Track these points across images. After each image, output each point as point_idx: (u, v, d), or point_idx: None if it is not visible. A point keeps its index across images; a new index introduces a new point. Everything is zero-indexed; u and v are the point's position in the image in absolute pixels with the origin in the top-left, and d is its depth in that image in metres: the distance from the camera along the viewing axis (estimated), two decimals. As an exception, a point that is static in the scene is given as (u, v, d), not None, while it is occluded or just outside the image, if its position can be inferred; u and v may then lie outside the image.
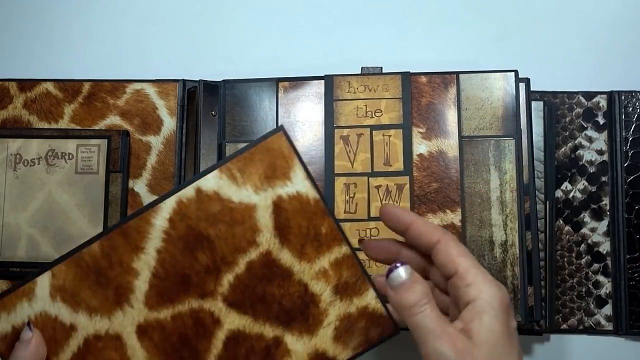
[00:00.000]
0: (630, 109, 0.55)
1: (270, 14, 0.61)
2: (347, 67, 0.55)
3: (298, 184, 0.36)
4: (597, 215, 0.55)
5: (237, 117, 0.54)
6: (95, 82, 0.57)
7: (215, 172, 0.36)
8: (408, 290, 0.34)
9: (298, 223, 0.36)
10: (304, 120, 0.53)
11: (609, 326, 0.54)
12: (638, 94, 0.55)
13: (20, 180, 0.54)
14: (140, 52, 0.61)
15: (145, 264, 0.36)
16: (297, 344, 0.36)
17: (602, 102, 0.56)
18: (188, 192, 0.36)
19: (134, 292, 0.36)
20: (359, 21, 0.61)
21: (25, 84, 0.57)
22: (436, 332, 0.32)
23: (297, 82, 0.54)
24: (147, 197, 0.55)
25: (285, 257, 0.36)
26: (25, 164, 0.55)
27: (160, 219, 0.36)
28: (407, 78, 0.52)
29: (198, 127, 0.55)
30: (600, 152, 0.55)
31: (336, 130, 0.52)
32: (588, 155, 0.55)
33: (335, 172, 0.52)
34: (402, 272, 0.34)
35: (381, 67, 0.54)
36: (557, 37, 0.59)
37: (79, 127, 0.56)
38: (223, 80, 0.55)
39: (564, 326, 0.54)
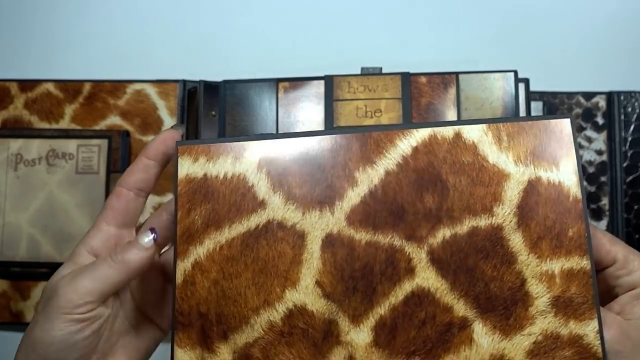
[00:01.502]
0: (630, 109, 0.55)
1: (270, 14, 0.61)
2: (347, 67, 0.55)
3: (564, 175, 0.33)
4: (597, 215, 0.55)
5: (238, 118, 0.54)
6: (96, 83, 0.57)
7: (482, 127, 0.34)
8: None
9: (546, 213, 0.33)
10: (304, 120, 0.53)
11: (608, 326, 0.54)
12: (637, 94, 0.55)
13: (21, 180, 0.55)
14: (140, 52, 0.61)
15: (368, 178, 0.34)
16: (484, 338, 0.32)
17: (601, 102, 0.56)
18: (446, 131, 0.34)
19: (342, 200, 0.33)
20: (359, 21, 0.61)
21: (26, 84, 0.58)
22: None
23: (297, 82, 0.54)
24: (147, 197, 0.55)
25: (516, 241, 0.33)
26: (26, 164, 0.55)
27: (406, 143, 0.34)
28: (407, 78, 0.52)
29: (198, 127, 0.55)
30: (599, 152, 0.55)
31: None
32: (587, 155, 0.55)
33: (336, 172, 0.52)
34: None
35: (381, 68, 0.54)
36: (557, 38, 0.60)
37: (79, 127, 0.56)
38: (223, 80, 0.55)
39: (563, 326, 0.54)
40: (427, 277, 0.33)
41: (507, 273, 0.33)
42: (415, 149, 0.34)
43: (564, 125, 0.34)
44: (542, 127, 0.34)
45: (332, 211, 0.33)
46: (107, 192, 0.54)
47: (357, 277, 0.33)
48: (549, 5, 0.60)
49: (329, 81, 0.53)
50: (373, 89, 0.53)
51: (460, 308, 0.32)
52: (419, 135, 0.34)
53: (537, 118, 0.34)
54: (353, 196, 0.34)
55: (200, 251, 0.34)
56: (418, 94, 0.52)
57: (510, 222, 0.33)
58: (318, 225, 0.33)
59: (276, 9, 0.61)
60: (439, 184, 0.33)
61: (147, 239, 0.33)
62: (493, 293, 0.32)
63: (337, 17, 0.61)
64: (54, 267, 0.53)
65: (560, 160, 0.33)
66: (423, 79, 0.53)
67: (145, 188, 0.36)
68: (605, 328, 0.31)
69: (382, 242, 0.33)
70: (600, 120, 0.56)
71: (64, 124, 0.57)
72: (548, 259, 0.33)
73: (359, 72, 0.54)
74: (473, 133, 0.34)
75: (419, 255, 0.33)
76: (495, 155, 0.34)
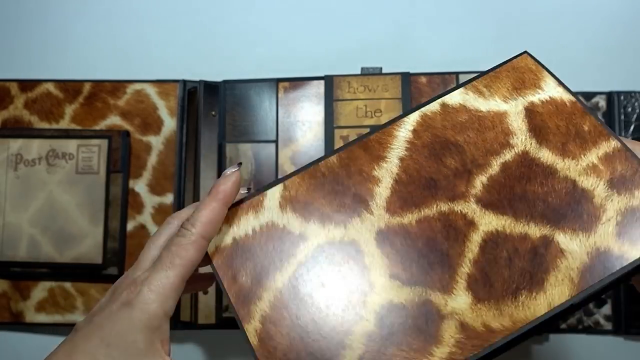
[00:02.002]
0: (630, 109, 0.55)
1: (271, 14, 0.61)
2: (347, 67, 0.55)
3: (550, 91, 0.36)
4: (597, 215, 0.55)
5: (238, 117, 0.54)
6: (96, 83, 0.57)
7: (460, 90, 0.37)
8: None
9: (556, 123, 0.35)
10: (304, 120, 0.53)
11: (609, 326, 0.54)
12: (637, 94, 0.55)
13: (21, 180, 0.55)
14: (140, 52, 0.61)
15: (387, 171, 0.35)
16: (571, 243, 0.32)
17: (602, 102, 0.56)
18: (432, 106, 0.36)
19: (374, 199, 0.34)
20: (359, 21, 0.61)
21: (26, 84, 0.58)
22: None
23: (297, 82, 0.54)
24: (147, 197, 0.55)
25: (546, 155, 0.34)
26: (26, 164, 0.55)
27: (404, 130, 0.36)
28: (407, 78, 0.52)
29: (198, 127, 0.55)
30: (599, 152, 0.55)
31: (336, 131, 0.52)
32: (587, 155, 0.55)
33: (336, 172, 0.51)
34: None
35: (381, 68, 0.54)
36: (557, 37, 0.60)
37: (79, 127, 0.56)
38: (223, 80, 0.55)
39: (563, 326, 0.54)
40: (489, 222, 0.33)
41: (555, 182, 0.34)
42: (415, 131, 0.36)
43: (526, 59, 0.38)
44: (509, 68, 0.37)
45: (370, 211, 0.34)
46: (107, 192, 0.54)
47: (426, 253, 0.33)
48: (549, 5, 0.60)
49: (329, 81, 0.54)
50: (373, 89, 0.53)
51: (535, 230, 0.33)
52: (411, 120, 0.36)
53: (500, 65, 0.38)
54: (382, 191, 0.34)
55: (263, 305, 0.33)
56: (418, 94, 0.52)
57: (531, 144, 0.35)
58: (364, 228, 0.34)
59: (276, 9, 0.61)
60: (452, 147, 0.35)
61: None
62: (555, 204, 0.33)
63: (337, 17, 0.61)
64: (54, 267, 0.53)
65: (540, 83, 0.36)
66: (423, 79, 0.53)
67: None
68: None
69: (431, 214, 0.34)
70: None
71: (64, 124, 0.57)
72: (582, 155, 0.34)
73: (359, 72, 0.54)
74: (455, 98, 0.36)
75: (470, 208, 0.34)
76: (485, 104, 0.36)
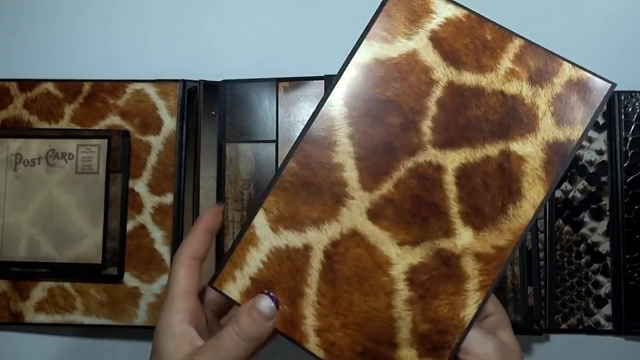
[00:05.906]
0: (630, 109, 0.55)
1: (270, 14, 0.61)
2: (347, 67, 0.55)
3: (443, 12, 0.37)
4: (597, 215, 0.55)
5: (237, 117, 0.54)
6: (96, 82, 0.57)
7: (364, 43, 0.38)
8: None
9: (462, 43, 0.37)
10: (304, 120, 0.53)
11: (609, 326, 0.54)
12: (638, 94, 0.55)
13: (21, 180, 0.55)
14: (140, 52, 0.61)
15: (344, 153, 0.36)
16: (525, 147, 0.35)
17: (602, 102, 0.56)
18: (349, 73, 0.37)
19: (348, 184, 0.36)
20: (359, 21, 0.61)
21: (26, 84, 0.57)
22: None
23: (297, 82, 0.54)
24: (147, 197, 0.55)
25: (468, 78, 0.36)
26: (26, 164, 0.55)
27: (337, 108, 0.36)
28: (407, 78, 0.52)
29: (198, 127, 0.55)
30: (599, 152, 0.55)
31: (336, 130, 0.52)
32: (588, 155, 0.55)
33: (335, 172, 0.51)
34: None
35: (381, 67, 0.54)
36: (557, 37, 0.59)
37: (79, 127, 0.56)
38: (223, 80, 0.55)
39: (564, 326, 0.54)
40: (452, 160, 0.36)
41: (487, 99, 0.37)
42: (347, 104, 0.37)
43: None
44: (395, 1, 0.39)
45: (351, 197, 0.36)
46: (107, 192, 0.54)
47: (416, 211, 0.35)
48: (549, 5, 0.60)
49: (329, 81, 0.53)
50: (373, 89, 0.53)
51: (492, 150, 0.36)
52: (338, 96, 0.37)
53: (384, 2, 0.39)
54: (350, 174, 0.36)
55: (310, 321, 0.35)
56: (418, 94, 0.52)
57: (451, 72, 0.36)
58: (355, 214, 0.36)
59: (276, 9, 0.61)
60: (386, 104, 0.36)
61: (269, 308, 0.34)
62: (496, 119, 0.36)
63: (337, 17, 0.61)
64: (53, 267, 0.53)
65: (429, 6, 0.38)
66: (423, 79, 0.52)
67: (204, 257, 0.37)
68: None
69: (402, 175, 0.36)
70: (600, 120, 0.56)
71: (64, 124, 0.56)
72: (497, 65, 0.37)
73: (359, 72, 0.54)
74: (365, 54, 0.38)
75: (431, 153, 0.36)
76: (392, 49, 0.37)
